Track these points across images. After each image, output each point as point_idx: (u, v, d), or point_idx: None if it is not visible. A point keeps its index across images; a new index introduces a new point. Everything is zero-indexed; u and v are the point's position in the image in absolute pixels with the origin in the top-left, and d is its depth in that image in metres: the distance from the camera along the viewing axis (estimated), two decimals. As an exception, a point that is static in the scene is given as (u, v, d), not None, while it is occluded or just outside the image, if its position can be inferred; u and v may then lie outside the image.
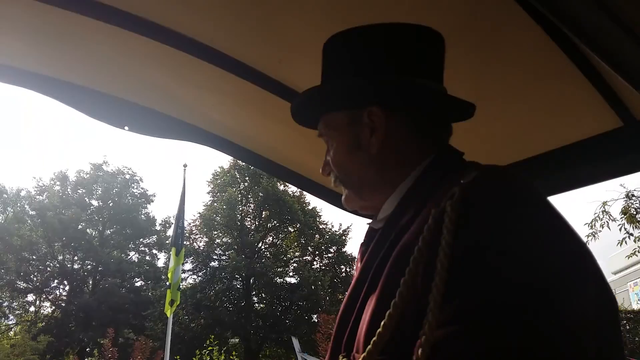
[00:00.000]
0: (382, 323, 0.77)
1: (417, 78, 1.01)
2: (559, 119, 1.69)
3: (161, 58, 1.66)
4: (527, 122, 1.76)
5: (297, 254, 37.43)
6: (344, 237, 37.26)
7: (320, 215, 37.90)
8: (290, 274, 36.35)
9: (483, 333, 0.67)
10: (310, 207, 37.53)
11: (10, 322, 40.51)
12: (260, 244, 36.69)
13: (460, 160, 1.01)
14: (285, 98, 1.71)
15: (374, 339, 0.77)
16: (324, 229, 37.65)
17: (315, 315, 29.16)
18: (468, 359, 0.66)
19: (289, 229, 37.51)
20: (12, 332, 38.65)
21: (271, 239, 37.74)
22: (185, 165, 13.53)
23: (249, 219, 37.61)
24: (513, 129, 1.81)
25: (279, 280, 35.48)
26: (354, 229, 38.13)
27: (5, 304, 39.65)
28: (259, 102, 1.81)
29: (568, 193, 1.92)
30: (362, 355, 0.79)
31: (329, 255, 37.32)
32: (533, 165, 1.83)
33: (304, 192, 37.72)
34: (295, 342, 18.06)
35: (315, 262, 37.31)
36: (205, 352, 7.88)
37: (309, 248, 37.43)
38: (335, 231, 37.61)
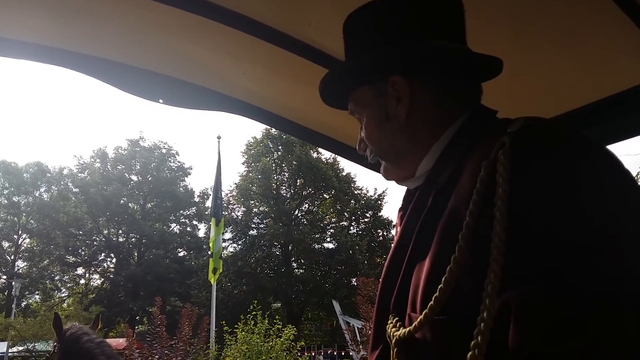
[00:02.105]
0: (443, 279, 0.76)
1: (435, 41, 1.00)
2: (604, 68, 1.59)
3: (191, 28, 1.65)
4: (570, 73, 1.65)
5: (333, 220, 37.76)
6: (379, 202, 37.36)
7: (355, 181, 38.00)
8: (328, 239, 36.82)
9: (555, 290, 0.65)
10: (344, 174, 37.61)
11: (63, 295, 42.93)
12: (296, 212, 37.15)
13: (494, 118, 0.99)
14: (316, 61, 1.68)
15: (436, 295, 0.77)
16: (359, 194, 37.77)
17: (354, 279, 29.57)
18: (540, 318, 0.65)
19: (324, 195, 37.79)
20: (65, 304, 40.89)
21: (307, 206, 38.17)
22: (219, 137, 13.72)
23: (284, 188, 38.05)
24: (554, 81, 1.71)
25: (316, 246, 36.00)
26: (389, 193, 38.16)
27: (57, 278, 41.93)
28: (290, 67, 1.79)
29: (612, 145, 1.82)
30: (424, 312, 0.79)
31: (365, 220, 37.56)
32: (576, 117, 1.72)
33: (338, 159, 37.75)
34: (336, 305, 18.43)
35: (352, 227, 37.61)
36: (249, 316, 8.18)
37: (345, 214, 37.70)
38: (371, 196, 37.67)
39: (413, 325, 0.82)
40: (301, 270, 36.24)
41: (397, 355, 0.86)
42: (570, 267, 0.65)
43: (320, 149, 37.42)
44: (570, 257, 0.66)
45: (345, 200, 37.22)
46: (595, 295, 0.63)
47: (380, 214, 37.24)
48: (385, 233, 36.76)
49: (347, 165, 38.92)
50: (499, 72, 1.07)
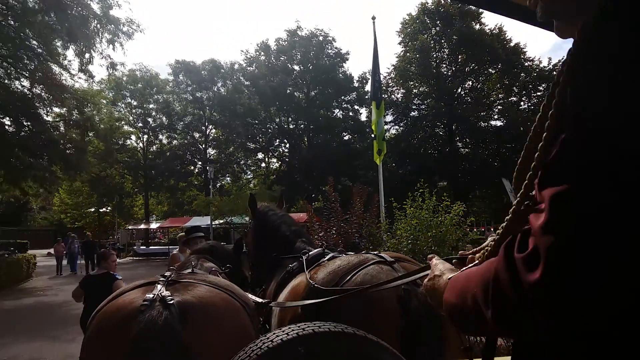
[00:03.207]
0: (532, 165, 0.79)
1: None
2: None
3: None
4: None
5: (500, 96, 35.23)
6: (554, 73, 33.49)
7: (525, 52, 34.34)
8: (495, 117, 34.79)
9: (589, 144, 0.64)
10: (512, 44, 34.16)
11: (249, 177, 48.69)
12: (459, 90, 35.43)
13: None
14: None
15: (525, 182, 0.82)
16: (530, 66, 34.24)
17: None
18: (575, 168, 0.65)
19: (490, 70, 35.06)
20: (251, 185, 46.44)
21: (471, 83, 36.02)
22: (373, 18, 13.27)
23: (444, 65, 36.17)
24: None
25: (482, 124, 34.40)
26: (567, 61, 33.82)
27: (242, 162, 47.43)
28: None
29: None
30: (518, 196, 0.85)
31: (538, 94, 34.23)
32: None
33: (504, 28, 34.20)
34: (506, 182, 17.80)
35: (522, 103, 34.83)
36: (417, 194, 8.40)
37: (514, 88, 34.81)
38: (544, 67, 33.96)
39: (513, 207, 0.88)
40: (466, 150, 35.32)
41: None
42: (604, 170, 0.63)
43: (482, 19, 34.21)
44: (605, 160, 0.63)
45: (514, 74, 34.14)
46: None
47: (557, 86, 33.55)
48: (561, 107, 33.37)
49: (515, 35, 35.22)
50: None
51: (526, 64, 34.25)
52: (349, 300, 2.29)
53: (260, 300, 3.16)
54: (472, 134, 33.74)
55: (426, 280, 1.27)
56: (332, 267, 2.72)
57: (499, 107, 34.66)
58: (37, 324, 10.51)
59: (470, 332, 0.93)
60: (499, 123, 34.03)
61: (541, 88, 33.96)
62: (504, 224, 0.93)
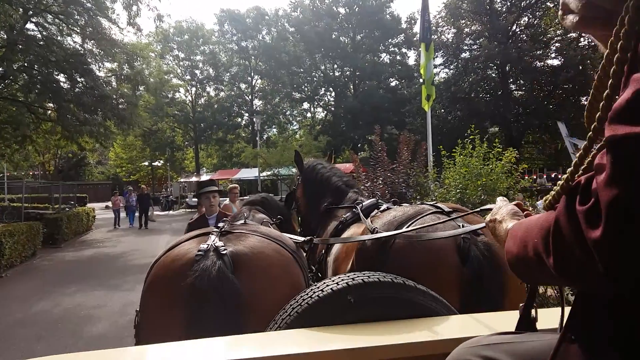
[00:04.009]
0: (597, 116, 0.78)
1: None
2: None
3: None
4: None
5: (558, 32, 33.02)
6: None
7: (587, -19, 31.73)
8: (552, 55, 32.77)
9: None
10: (573, -26, 31.60)
11: (295, 127, 48.79)
12: (514, 27, 33.46)
13: None
14: None
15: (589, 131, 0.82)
16: (593, -3, 31.72)
17: (584, 98, 26.42)
18: None
19: (547, 4, 32.79)
20: (297, 135, 46.60)
21: (527, 19, 33.87)
22: (423, -49, 12.55)
23: (498, 1, 34.10)
24: None
25: (538, 64, 32.56)
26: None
27: (287, 113, 47.45)
28: None
29: None
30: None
31: (600, 28, 31.85)
32: None
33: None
34: (562, 126, 17.04)
35: (581, 39, 32.58)
36: (467, 140, 8.13)
37: (574, 24, 32.45)
38: (608, -2, 31.38)
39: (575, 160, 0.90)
40: (520, 92, 33.72)
41: None
42: None
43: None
44: None
45: (576, 6, 31.70)
46: None
47: (621, 19, 31.05)
48: (626, 42, 30.97)
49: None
50: None
51: (589, -6, 31.72)
52: (407, 251, 2.31)
53: (301, 238, 3.21)
54: (527, 75, 32.05)
55: (488, 219, 1.27)
56: (388, 218, 2.71)
57: (557, 44, 32.58)
58: (97, 274, 11.12)
59: (533, 282, 0.92)
60: (555, 62, 32.04)
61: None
62: (566, 175, 0.90)
